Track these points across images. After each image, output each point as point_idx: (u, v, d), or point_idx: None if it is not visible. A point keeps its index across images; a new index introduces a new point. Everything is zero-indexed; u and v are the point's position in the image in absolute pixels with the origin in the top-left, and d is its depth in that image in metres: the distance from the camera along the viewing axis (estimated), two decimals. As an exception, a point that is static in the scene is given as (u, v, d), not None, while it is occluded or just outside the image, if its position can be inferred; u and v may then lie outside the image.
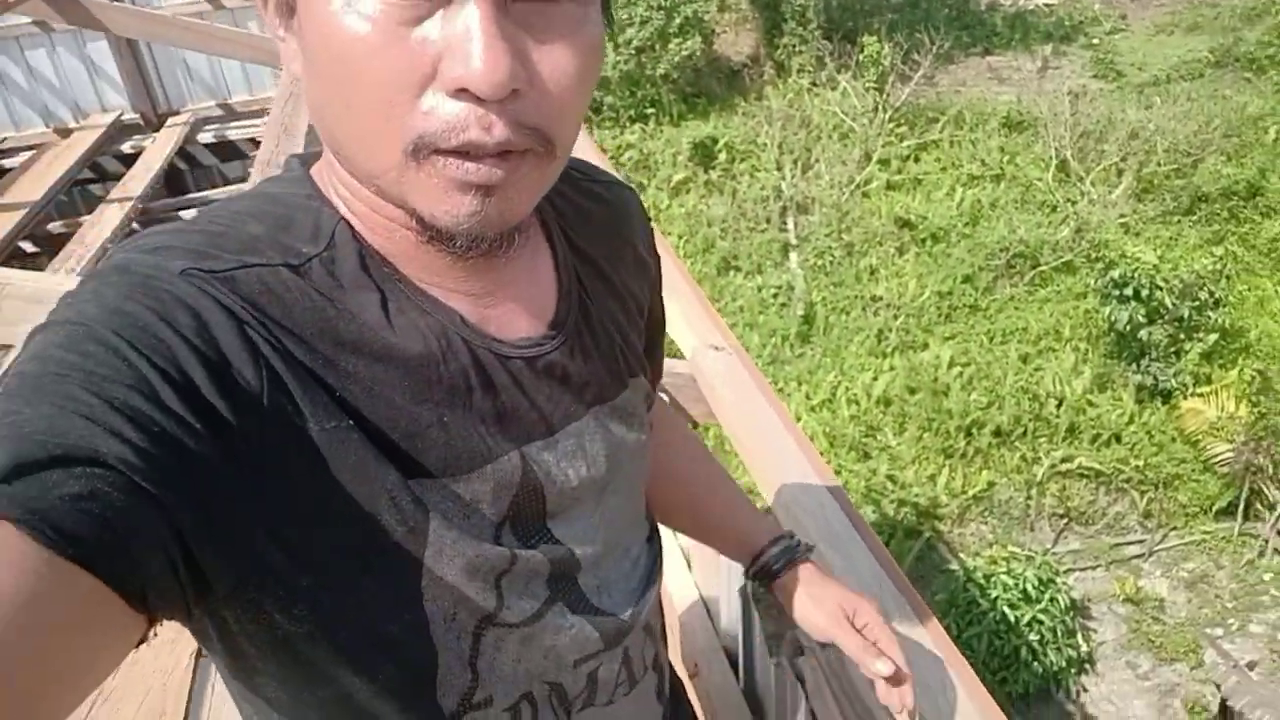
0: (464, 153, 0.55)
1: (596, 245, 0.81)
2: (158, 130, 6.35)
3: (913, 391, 10.85)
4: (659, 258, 0.91)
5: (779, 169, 13.09)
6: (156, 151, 5.72)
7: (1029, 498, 10.26)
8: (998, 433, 10.54)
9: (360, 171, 0.61)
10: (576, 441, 0.75)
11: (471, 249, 0.61)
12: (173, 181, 6.22)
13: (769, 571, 1.02)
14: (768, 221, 12.56)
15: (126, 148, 6.23)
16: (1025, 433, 10.56)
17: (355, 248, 0.64)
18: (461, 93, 0.53)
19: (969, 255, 12.18)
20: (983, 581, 8.62)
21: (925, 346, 11.42)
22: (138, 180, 5.07)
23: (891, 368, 11.13)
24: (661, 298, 0.92)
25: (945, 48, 14.96)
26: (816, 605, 0.97)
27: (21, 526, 0.43)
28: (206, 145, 6.42)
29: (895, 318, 11.69)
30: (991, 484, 10.25)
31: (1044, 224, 12.49)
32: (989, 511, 10.17)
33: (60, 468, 0.46)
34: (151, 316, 0.54)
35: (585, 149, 3.04)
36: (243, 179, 6.47)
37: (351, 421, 0.61)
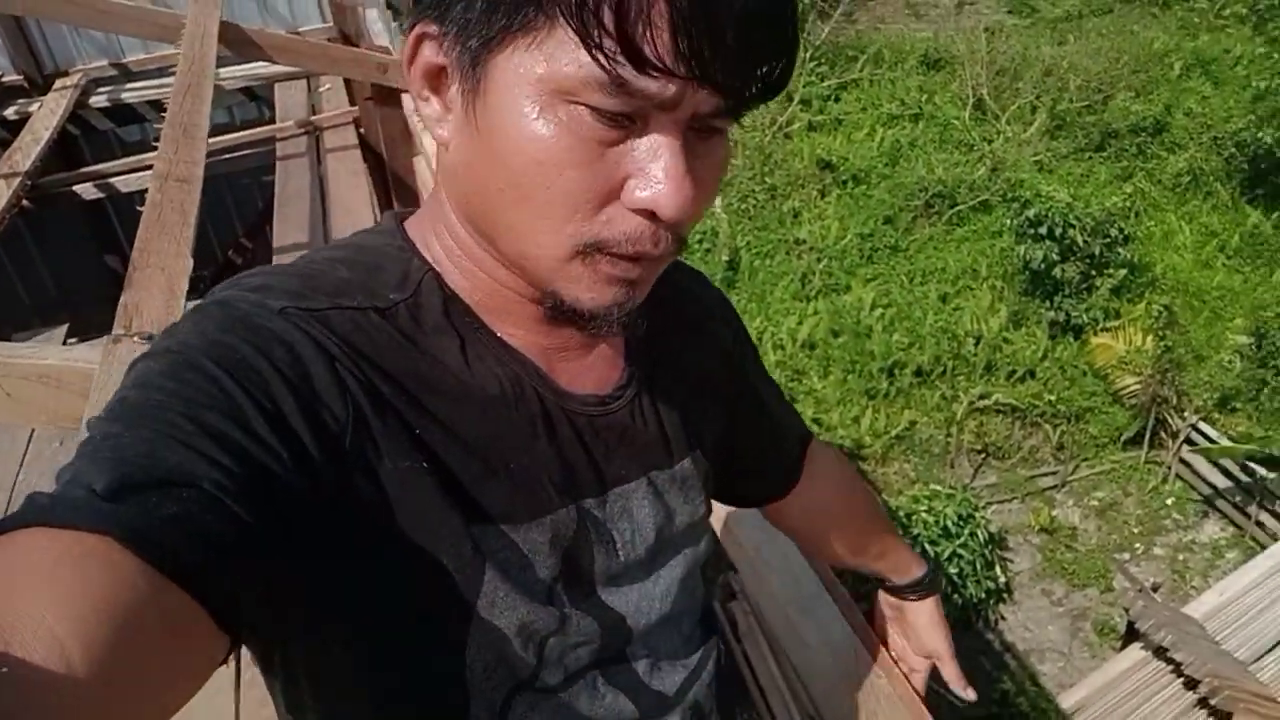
0: (631, 258, 0.61)
1: (668, 321, 0.84)
2: (44, 94, 5.95)
3: (836, 334, 11.02)
4: (739, 326, 0.95)
5: (700, 111, 12.96)
6: (44, 118, 5.35)
7: (949, 435, 10.57)
8: (919, 372, 10.80)
9: (512, 251, 0.64)
10: (624, 504, 0.77)
11: (606, 329, 0.66)
12: (65, 150, 5.85)
13: (912, 595, 1.18)
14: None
15: (10, 113, 5.84)
16: (945, 371, 10.85)
17: (440, 296, 0.68)
18: (643, 211, 0.59)
19: (889, 196, 12.31)
20: (905, 520, 8.90)
21: (848, 289, 11.57)
22: (24, 152, 4.75)
23: (815, 311, 11.26)
24: (756, 354, 0.97)
25: (864, -17, 14.91)
26: (937, 631, 1.18)
27: (125, 543, 0.46)
28: (101, 109, 6.04)
29: (819, 261, 11.79)
30: (913, 423, 10.52)
31: (961, 163, 12.66)
32: (911, 450, 10.46)
33: (159, 490, 0.49)
34: (249, 349, 0.58)
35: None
36: (142, 144, 6.15)
37: (425, 464, 0.64)
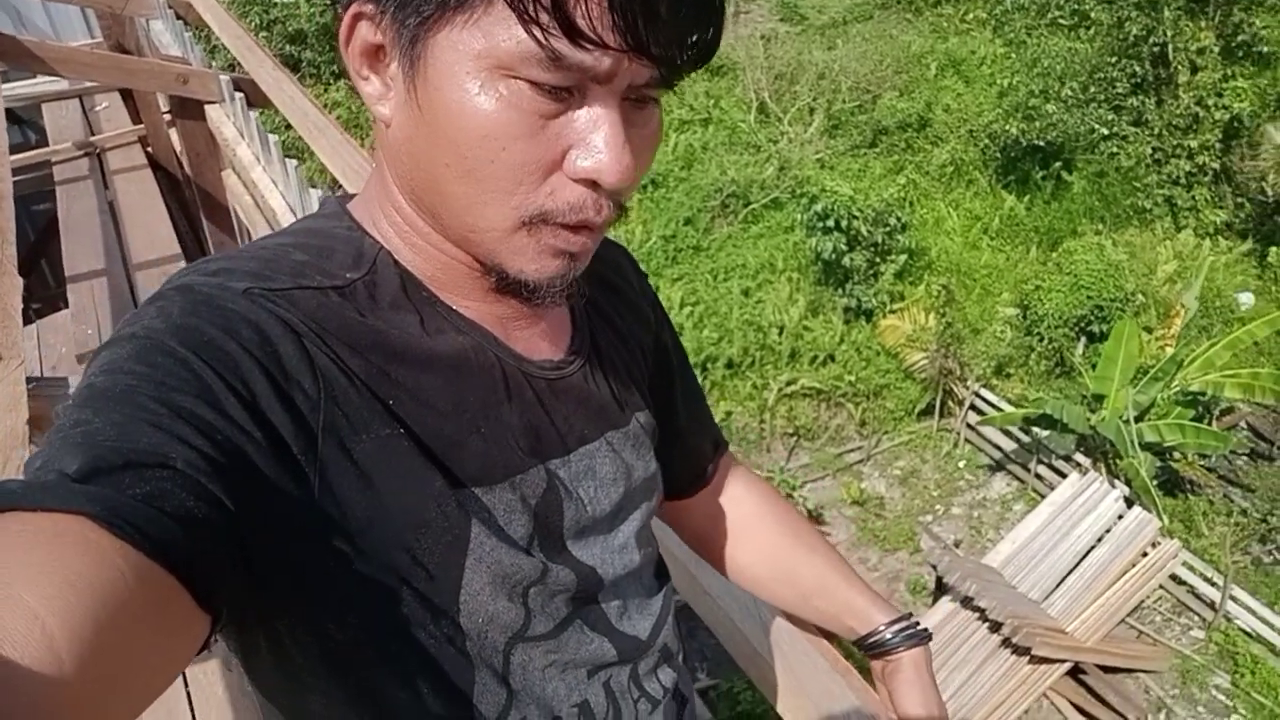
0: (575, 227, 0.63)
1: (601, 290, 0.88)
2: None
3: (649, 334, 11.28)
4: (657, 303, 0.97)
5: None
6: None
7: (762, 422, 11.07)
8: (730, 364, 11.25)
9: (458, 225, 0.65)
10: (588, 463, 0.79)
11: (550, 299, 0.67)
12: None
13: (883, 649, 0.99)
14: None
15: None
16: (754, 362, 11.35)
17: (396, 273, 0.69)
18: (584, 180, 0.61)
19: (687, 198, 12.75)
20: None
21: (657, 290, 11.85)
22: None
23: (627, 313, 11.48)
24: (673, 335, 0.98)
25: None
26: (912, 696, 0.98)
27: (100, 521, 0.45)
28: None
29: (626, 264, 12.03)
30: (729, 413, 10.94)
31: (751, 164, 13.28)
32: (729, 438, 10.83)
33: (132, 470, 0.48)
34: (216, 330, 0.57)
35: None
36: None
37: (402, 430, 0.64)
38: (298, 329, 0.61)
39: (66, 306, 3.80)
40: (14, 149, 5.66)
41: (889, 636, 0.98)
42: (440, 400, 0.68)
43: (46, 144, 5.14)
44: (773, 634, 1.30)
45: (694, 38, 0.59)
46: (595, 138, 0.59)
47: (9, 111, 5.84)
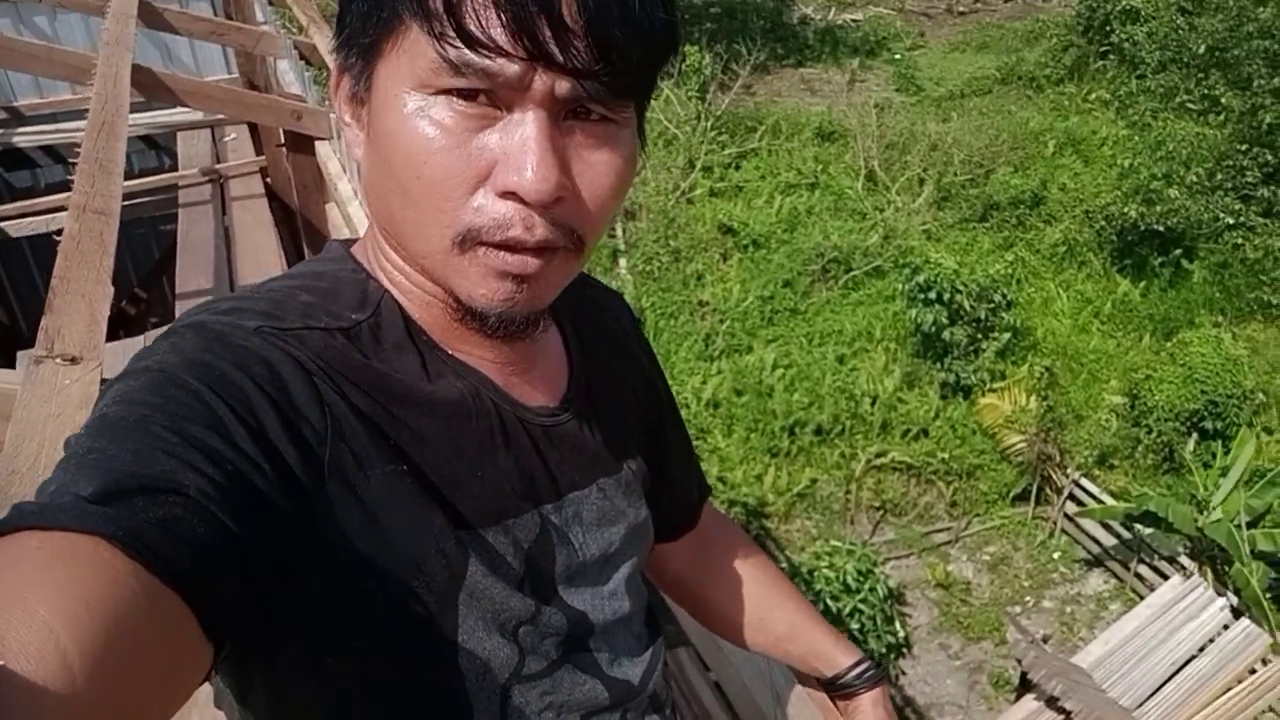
0: (506, 245, 0.62)
1: (597, 338, 0.88)
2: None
3: (739, 394, 11.22)
4: (651, 353, 0.98)
5: (605, 175, 13.20)
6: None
7: (848, 492, 10.82)
8: (818, 431, 11.06)
9: (410, 252, 0.66)
10: (578, 509, 0.79)
11: (501, 329, 0.67)
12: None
13: (846, 691, 1.08)
14: (596, 228, 12.67)
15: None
16: (843, 430, 11.14)
17: (400, 316, 0.70)
18: (509, 195, 0.60)
19: (788, 260, 12.71)
20: (807, 576, 9.03)
21: (750, 350, 11.83)
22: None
23: (719, 371, 11.47)
24: (665, 382, 0.99)
25: (761, 59, 15.55)
26: None
27: (115, 542, 0.45)
28: (-13, 155, 5.85)
29: (721, 322, 12.04)
30: (814, 480, 10.74)
31: (855, 230, 13.18)
32: (812, 507, 10.66)
33: (146, 495, 0.49)
34: (229, 366, 0.58)
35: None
36: (33, 189, 5.94)
37: (405, 467, 0.65)
38: (307, 367, 0.62)
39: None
40: (149, 172, 6.04)
41: (851, 678, 1.06)
42: (440, 442, 0.68)
43: (177, 169, 5.44)
44: (783, 699, 1.28)
45: (614, 47, 0.58)
46: (516, 149, 0.59)
47: (148, 138, 6.24)
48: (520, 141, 0.59)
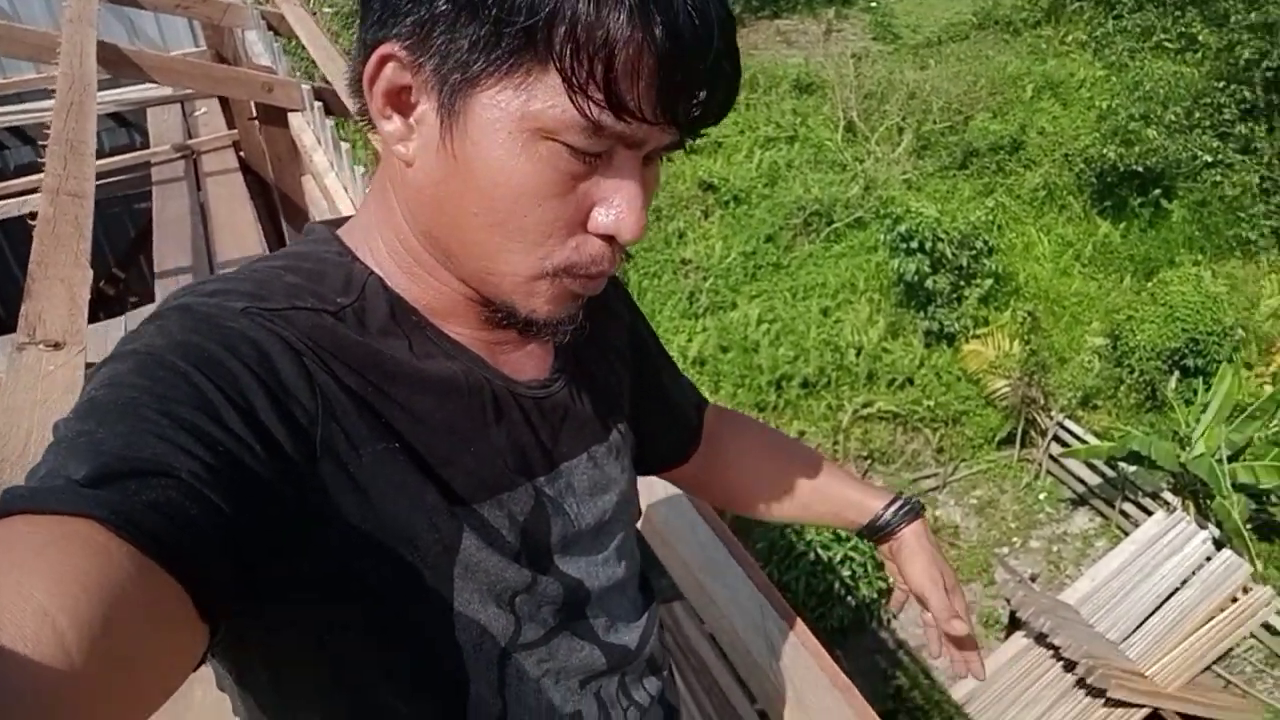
0: (590, 275, 0.67)
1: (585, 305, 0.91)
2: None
3: (725, 350, 11.26)
4: (628, 299, 0.99)
5: (583, 136, 13.10)
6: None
7: (836, 443, 10.92)
8: (805, 384, 11.13)
9: (473, 268, 0.67)
10: (570, 479, 0.81)
11: (552, 337, 0.71)
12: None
13: (884, 531, 1.07)
14: (576, 189, 12.60)
15: None
16: (829, 382, 11.20)
17: (385, 299, 0.70)
18: (607, 236, 0.65)
19: (769, 215, 12.69)
20: (797, 526, 9.13)
21: (734, 306, 11.85)
22: None
23: (704, 329, 11.50)
24: (646, 323, 1.01)
25: (737, 11, 15.34)
26: (916, 563, 1.05)
27: (108, 524, 0.46)
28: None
29: (705, 279, 12.04)
30: (802, 433, 10.83)
31: (836, 182, 13.15)
32: (801, 459, 10.74)
33: (138, 478, 0.49)
34: (216, 347, 0.59)
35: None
36: (2, 173, 5.86)
37: (397, 444, 0.66)
38: (296, 347, 0.63)
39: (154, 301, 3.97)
40: (120, 150, 5.96)
41: (888, 518, 1.06)
42: (433, 419, 0.69)
43: (149, 146, 5.38)
44: (777, 648, 1.32)
45: (718, 107, 0.62)
46: (619, 198, 0.63)
47: (118, 115, 6.16)
48: (624, 192, 0.63)
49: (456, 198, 0.64)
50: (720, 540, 1.47)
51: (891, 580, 1.12)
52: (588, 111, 0.57)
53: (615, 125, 0.58)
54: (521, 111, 0.58)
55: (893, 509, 1.06)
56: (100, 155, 5.58)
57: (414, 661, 0.68)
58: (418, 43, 0.60)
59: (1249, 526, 8.83)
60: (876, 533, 1.08)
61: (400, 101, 0.63)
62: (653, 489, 1.55)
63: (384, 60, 0.62)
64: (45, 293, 1.58)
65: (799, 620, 1.32)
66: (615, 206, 0.63)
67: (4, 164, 6.14)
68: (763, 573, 1.38)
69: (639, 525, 1.57)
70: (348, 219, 0.77)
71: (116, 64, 3.25)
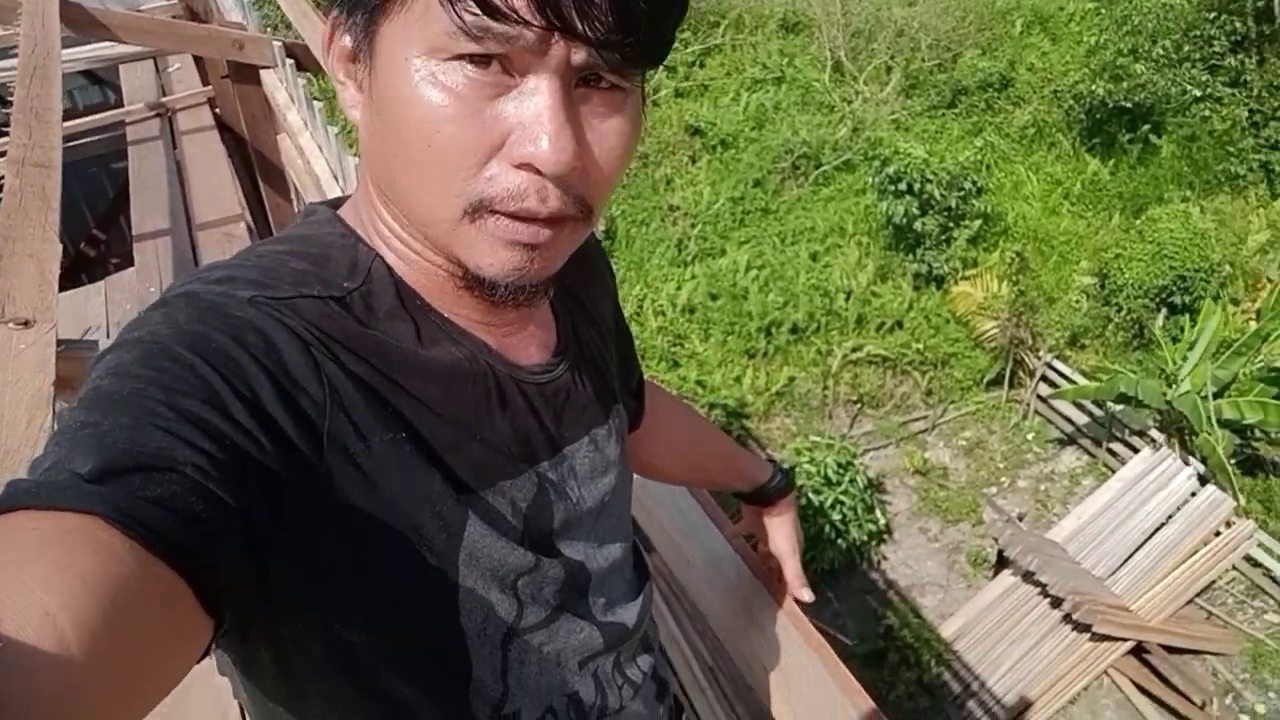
0: (518, 216, 0.61)
1: (572, 274, 0.85)
2: None
3: (714, 297, 11.25)
4: (606, 259, 0.98)
5: (567, 81, 12.92)
6: None
7: (825, 388, 10.97)
8: (794, 330, 11.15)
9: (414, 219, 0.65)
10: (571, 464, 0.80)
11: (510, 298, 0.67)
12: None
13: (764, 499, 1.25)
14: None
15: None
16: (819, 327, 11.22)
17: (391, 282, 0.69)
18: (525, 166, 0.59)
19: (757, 159, 12.58)
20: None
21: (723, 253, 11.80)
22: None
23: (693, 276, 11.46)
24: (614, 280, 1.00)
25: (721, -50, 15.06)
26: (780, 530, 1.27)
27: (111, 521, 0.46)
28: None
29: (693, 226, 11.98)
30: (792, 379, 10.87)
31: (824, 124, 13.02)
32: (791, 405, 10.81)
33: (142, 473, 0.49)
34: (223, 337, 0.58)
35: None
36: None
37: (405, 434, 0.65)
38: (304, 337, 0.62)
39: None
40: (94, 109, 5.85)
41: (771, 488, 1.23)
42: (439, 407, 0.69)
43: (123, 104, 5.28)
44: (752, 610, 1.35)
45: (633, 17, 0.57)
46: (531, 119, 0.58)
47: (89, 73, 6.04)
48: (536, 111, 0.58)
49: (382, 144, 0.63)
50: (698, 503, 1.49)
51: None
52: (459, 19, 0.55)
53: (496, 27, 0.55)
54: (411, 36, 0.58)
55: (776, 480, 1.23)
56: (73, 115, 5.50)
57: (419, 647, 0.69)
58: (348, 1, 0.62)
59: (1233, 462, 8.95)
60: (758, 498, 1.25)
61: (351, 66, 0.65)
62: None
63: (334, 27, 0.64)
64: (14, 269, 1.56)
65: (775, 582, 1.34)
66: (529, 131, 0.58)
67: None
68: (740, 536, 1.40)
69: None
70: (346, 199, 0.76)
71: (82, 24, 3.18)
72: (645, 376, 1.10)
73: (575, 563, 0.80)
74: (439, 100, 0.58)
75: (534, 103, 0.58)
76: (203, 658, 0.52)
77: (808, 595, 1.25)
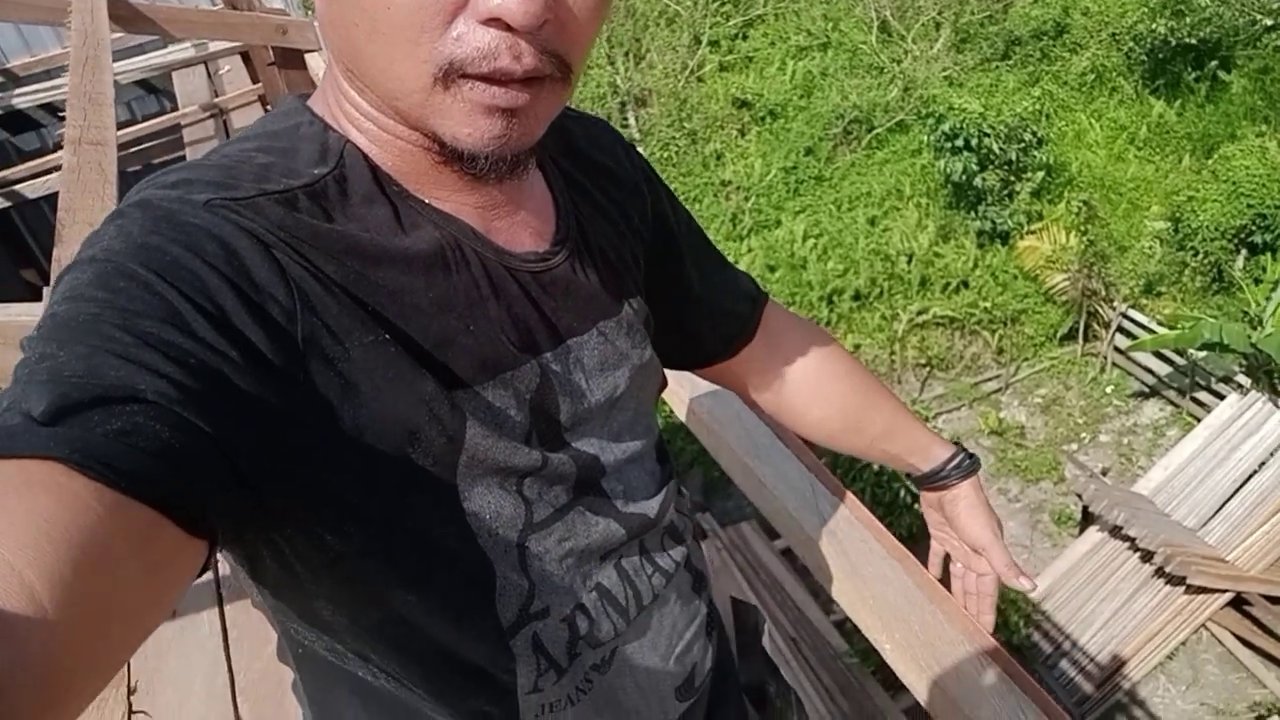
0: (492, 78, 0.57)
1: (581, 169, 0.84)
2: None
3: (773, 269, 11.12)
4: (652, 175, 0.92)
5: (611, 63, 12.88)
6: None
7: (892, 353, 10.79)
8: (856, 296, 10.98)
9: (382, 93, 0.61)
10: (579, 354, 0.77)
11: (491, 170, 0.63)
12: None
13: (942, 483, 1.10)
14: (607, 119, 12.44)
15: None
16: (882, 292, 11.04)
17: (366, 165, 0.65)
18: (493, 21, 0.55)
19: (807, 127, 12.40)
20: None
21: (778, 224, 11.67)
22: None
23: (750, 250, 11.35)
24: (674, 202, 0.95)
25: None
26: (978, 518, 1.08)
27: (70, 464, 0.44)
28: (-10, 119, 5.85)
29: (746, 199, 11.86)
30: (857, 346, 10.71)
31: (873, 87, 12.78)
32: (858, 372, 10.65)
33: (101, 407, 0.46)
34: (179, 249, 0.54)
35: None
36: (42, 150, 5.94)
37: (388, 335, 0.62)
38: (265, 239, 0.58)
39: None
40: (151, 117, 6.00)
41: (950, 470, 1.08)
42: (424, 300, 0.65)
43: (178, 110, 5.40)
44: (830, 523, 1.30)
45: None
46: None
47: (144, 83, 6.19)
48: None
49: (343, 15, 0.59)
50: (766, 425, 1.44)
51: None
52: None
53: None
54: None
55: (955, 461, 1.08)
56: (131, 123, 5.62)
57: (428, 557, 0.66)
58: None
59: (1329, 402, 8.56)
60: (935, 481, 1.10)
61: None
62: (695, 383, 1.51)
63: None
64: (75, 238, 1.58)
65: (849, 495, 1.28)
66: None
67: (43, 142, 6.22)
68: (811, 454, 1.34)
69: (684, 419, 1.55)
70: (316, 90, 0.72)
71: (129, 20, 3.23)
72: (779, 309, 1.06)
73: (588, 456, 0.77)
74: None
75: None
76: (203, 572, 0.51)
77: (1027, 584, 1.07)
